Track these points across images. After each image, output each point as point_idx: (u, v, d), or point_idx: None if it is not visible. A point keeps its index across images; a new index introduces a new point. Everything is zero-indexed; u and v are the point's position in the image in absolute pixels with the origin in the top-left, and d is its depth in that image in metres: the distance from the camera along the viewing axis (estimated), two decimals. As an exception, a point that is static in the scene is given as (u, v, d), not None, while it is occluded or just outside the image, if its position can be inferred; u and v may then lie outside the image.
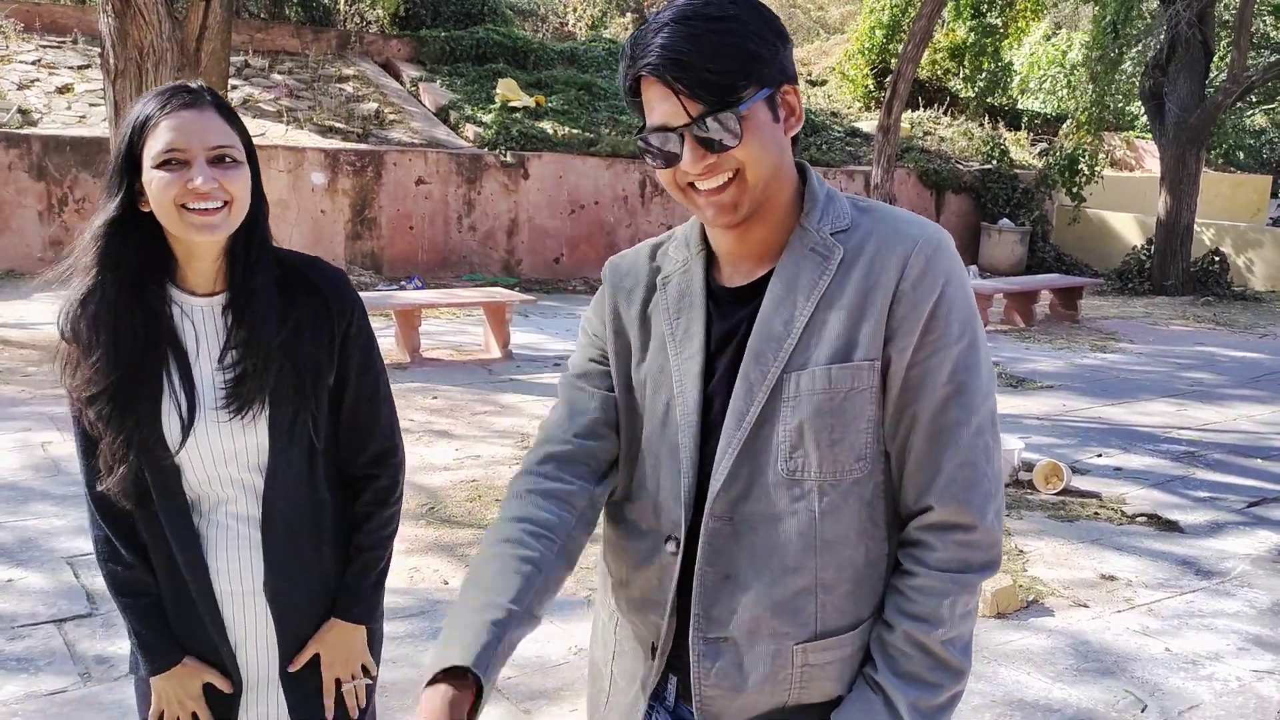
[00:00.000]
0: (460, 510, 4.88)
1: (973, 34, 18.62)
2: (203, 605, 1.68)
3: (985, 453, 1.26)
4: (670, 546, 1.32)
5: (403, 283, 11.38)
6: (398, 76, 14.75)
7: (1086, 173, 15.79)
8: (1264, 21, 17.14)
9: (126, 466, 1.58)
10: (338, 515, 1.77)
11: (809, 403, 1.25)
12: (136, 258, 1.58)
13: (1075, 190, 15.76)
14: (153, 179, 1.53)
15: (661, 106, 1.22)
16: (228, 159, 1.55)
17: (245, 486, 1.67)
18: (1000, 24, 18.88)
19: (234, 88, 13.19)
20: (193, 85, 1.58)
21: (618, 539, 1.43)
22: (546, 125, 13.37)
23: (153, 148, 1.53)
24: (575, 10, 20.95)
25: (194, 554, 1.66)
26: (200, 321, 1.64)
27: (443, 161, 12.36)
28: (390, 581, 3.96)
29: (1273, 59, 15.60)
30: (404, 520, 4.60)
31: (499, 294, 8.67)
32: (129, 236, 1.57)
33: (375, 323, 9.27)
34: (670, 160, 1.25)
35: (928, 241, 1.25)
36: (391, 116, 13.26)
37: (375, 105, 13.47)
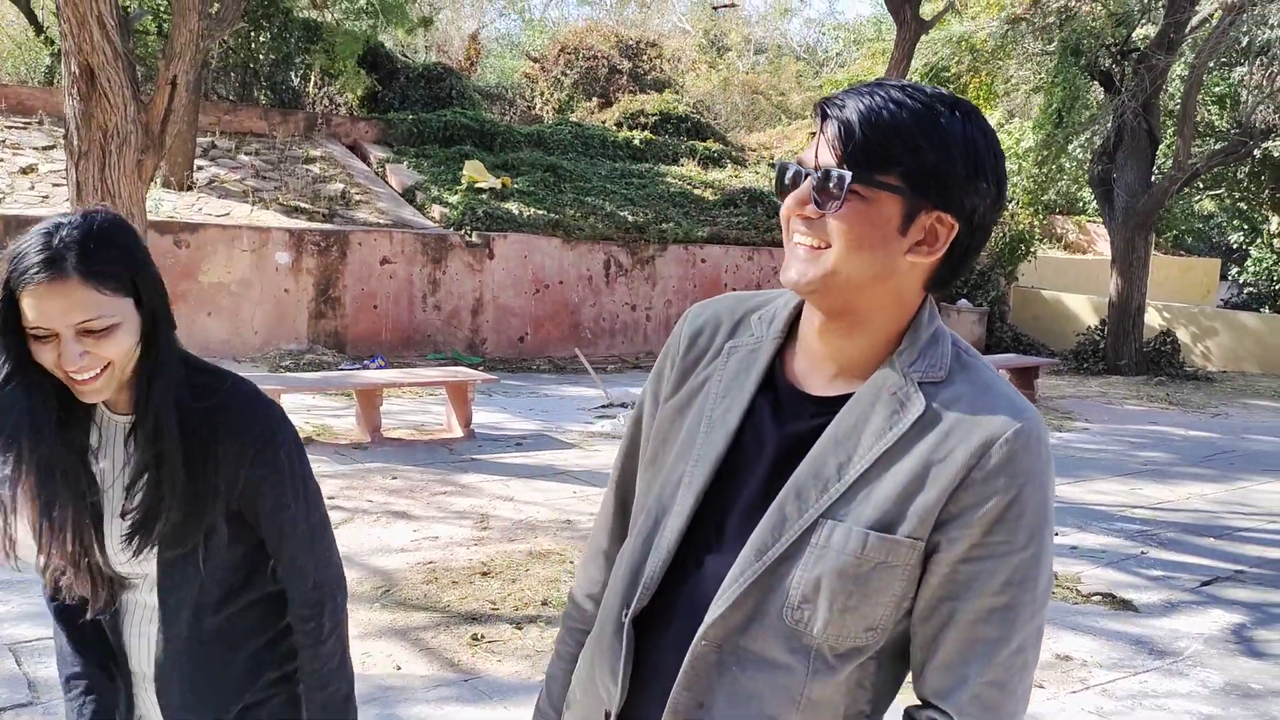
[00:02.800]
0: (416, 593, 4.82)
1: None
2: (122, 680, 1.68)
3: (1020, 671, 1.17)
4: (626, 621, 1.27)
5: (366, 362, 11.37)
6: (365, 158, 14.92)
7: (1024, 252, 16.25)
8: (1208, 110, 17.78)
9: (52, 566, 1.58)
10: (261, 642, 1.68)
11: (835, 560, 1.15)
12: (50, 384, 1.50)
13: (1011, 270, 16.21)
14: (30, 342, 1.46)
15: (817, 144, 1.16)
16: (97, 329, 1.45)
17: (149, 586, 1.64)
18: (955, 111, 19.41)
19: (200, 168, 13.29)
20: (57, 240, 1.43)
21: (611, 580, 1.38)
22: (512, 206, 13.54)
23: (24, 313, 1.44)
24: (543, 95, 21.36)
25: (116, 631, 1.67)
26: (112, 440, 1.59)
27: (408, 241, 12.45)
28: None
29: (1217, 146, 16.15)
30: (356, 604, 4.57)
31: (462, 373, 8.69)
32: (32, 378, 1.48)
33: (336, 402, 9.26)
34: (784, 190, 1.18)
35: (1018, 434, 1.13)
36: (358, 197, 13.38)
37: (342, 186, 13.60)
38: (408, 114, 15.74)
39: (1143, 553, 5.86)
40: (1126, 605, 5.00)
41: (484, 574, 5.06)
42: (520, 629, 4.38)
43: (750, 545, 1.19)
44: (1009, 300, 16.99)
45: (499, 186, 13.99)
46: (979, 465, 1.13)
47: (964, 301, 16.13)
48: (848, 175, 1.12)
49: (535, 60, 22.96)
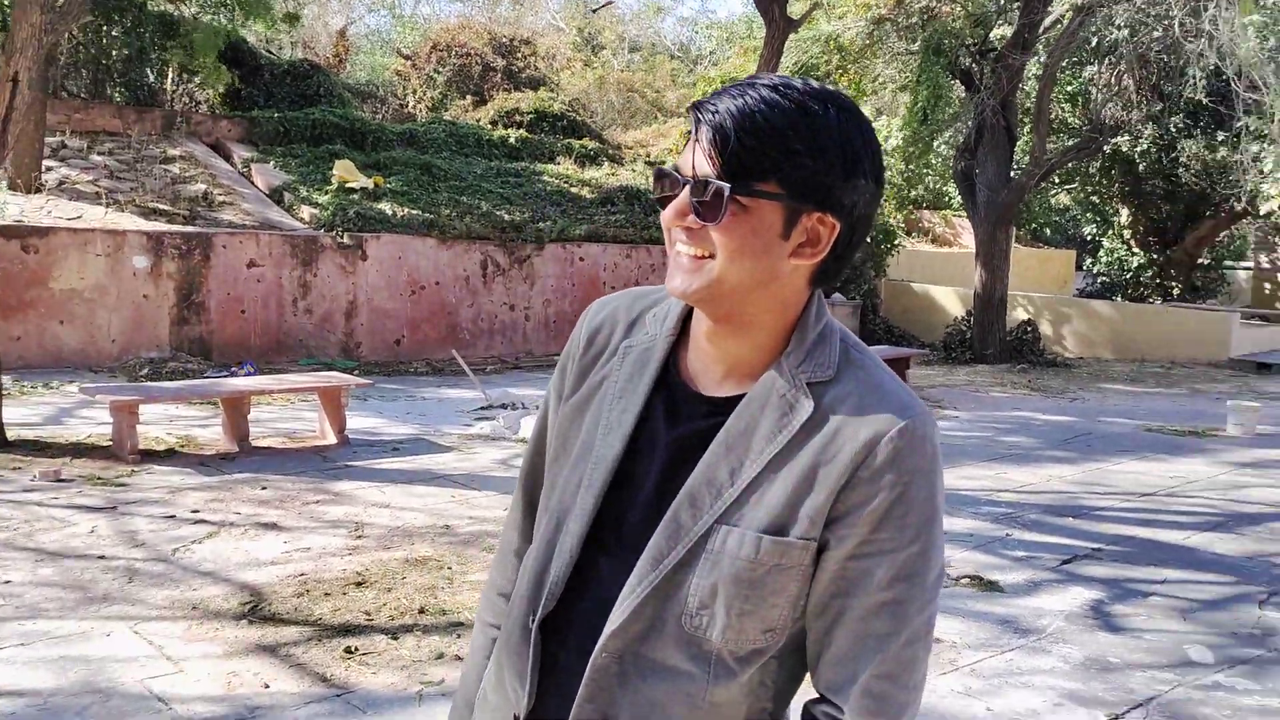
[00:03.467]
0: (286, 607, 4.65)
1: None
2: None
3: (911, 664, 1.17)
4: (532, 628, 1.26)
5: (234, 369, 10.97)
6: (228, 158, 14.40)
7: (889, 247, 16.79)
8: (1062, 108, 18.60)
9: None
10: None
11: (730, 566, 1.16)
12: None
13: (880, 263, 16.73)
14: None
15: (694, 150, 1.14)
16: None
17: None
18: (825, 109, 19.86)
19: (49, 169, 12.62)
20: None
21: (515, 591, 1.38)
22: (385, 206, 13.26)
23: None
24: (415, 92, 20.99)
25: None
26: None
27: (276, 243, 12.07)
28: (204, 689, 3.75)
29: (1070, 143, 16.91)
30: (221, 622, 4.39)
31: (334, 378, 8.45)
32: None
33: (201, 412, 8.93)
34: (663, 200, 1.17)
35: (904, 432, 1.14)
36: (221, 198, 12.90)
37: (204, 186, 13.09)
38: (273, 112, 15.26)
39: (1008, 535, 6.07)
40: (993, 586, 5.17)
41: (358, 584, 4.92)
42: (396, 639, 4.27)
43: (647, 554, 1.18)
44: (880, 293, 17.46)
45: (371, 186, 13.68)
46: (865, 464, 1.13)
47: (838, 295, 16.50)
48: (726, 188, 1.10)
49: (406, 57, 22.55)
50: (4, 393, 7.61)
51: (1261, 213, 17.74)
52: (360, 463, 7.46)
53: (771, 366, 1.19)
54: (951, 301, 16.89)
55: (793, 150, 1.10)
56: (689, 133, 1.17)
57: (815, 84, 1.15)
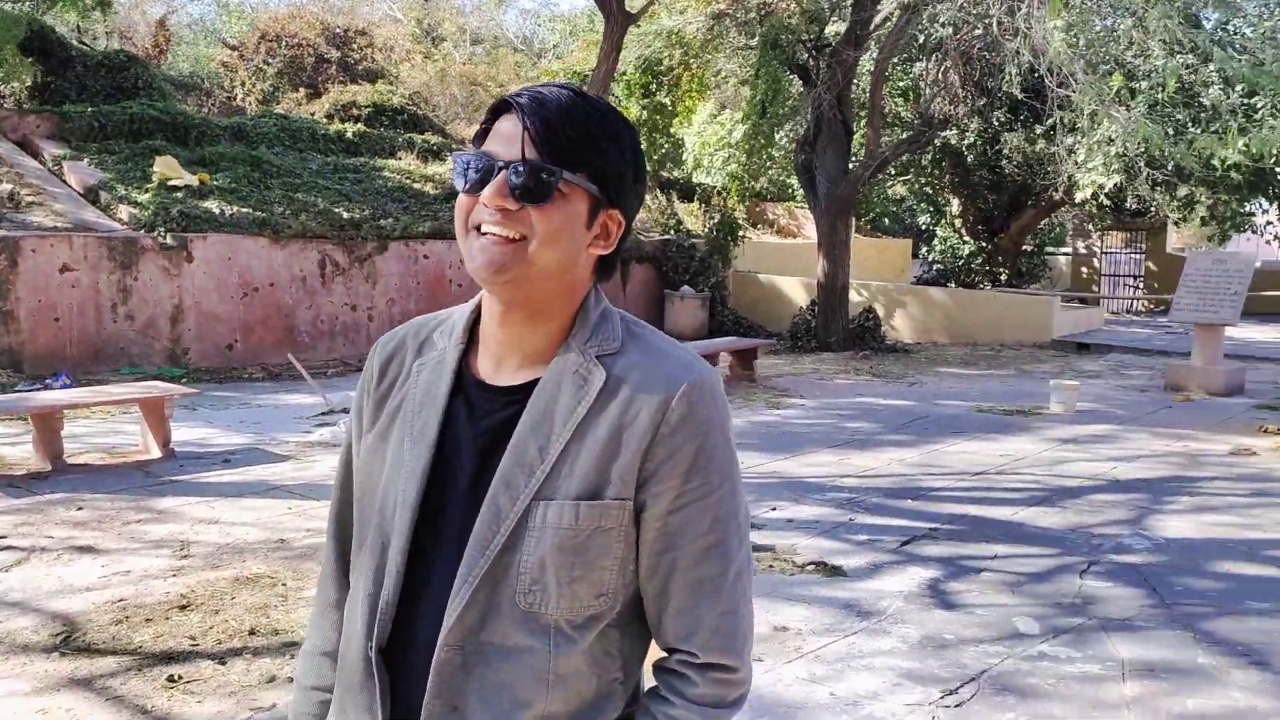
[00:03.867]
0: (103, 635, 4.34)
1: (645, 112, 19.62)
2: None
3: (743, 596, 1.29)
4: (374, 656, 1.26)
5: (48, 381, 10.26)
6: (37, 155, 13.46)
7: (734, 239, 17.10)
8: (895, 102, 19.25)
9: None
10: None
11: (553, 537, 1.21)
12: None
13: (725, 256, 17.03)
14: None
15: (505, 136, 1.21)
16: None
17: None
18: (669, 103, 20.03)
19: None
20: None
21: (345, 627, 1.36)
22: (212, 204, 12.65)
23: None
24: (244, 85, 20.11)
25: None
26: None
27: (92, 246, 11.35)
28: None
29: (904, 136, 17.51)
30: (31, 655, 4.06)
31: (156, 387, 7.99)
32: None
33: (8, 428, 8.30)
34: (474, 186, 1.22)
35: (693, 386, 1.24)
36: (29, 198, 12.04)
37: (9, 186, 12.18)
38: (87, 106, 14.34)
39: (851, 520, 6.21)
40: (837, 571, 5.26)
41: (183, 607, 4.64)
42: (224, 664, 4.04)
43: (472, 543, 1.22)
44: (728, 285, 17.71)
45: (196, 184, 13.01)
46: (665, 420, 1.22)
47: (686, 288, 16.65)
48: (559, 171, 1.19)
49: (233, 48, 21.57)
50: None
51: (1076, 201, 18.81)
52: (187, 477, 7.08)
53: (560, 348, 1.27)
54: (797, 291, 17.27)
55: (602, 147, 1.22)
56: (486, 129, 1.26)
57: (618, 113, 1.29)
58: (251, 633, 4.35)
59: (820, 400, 10.84)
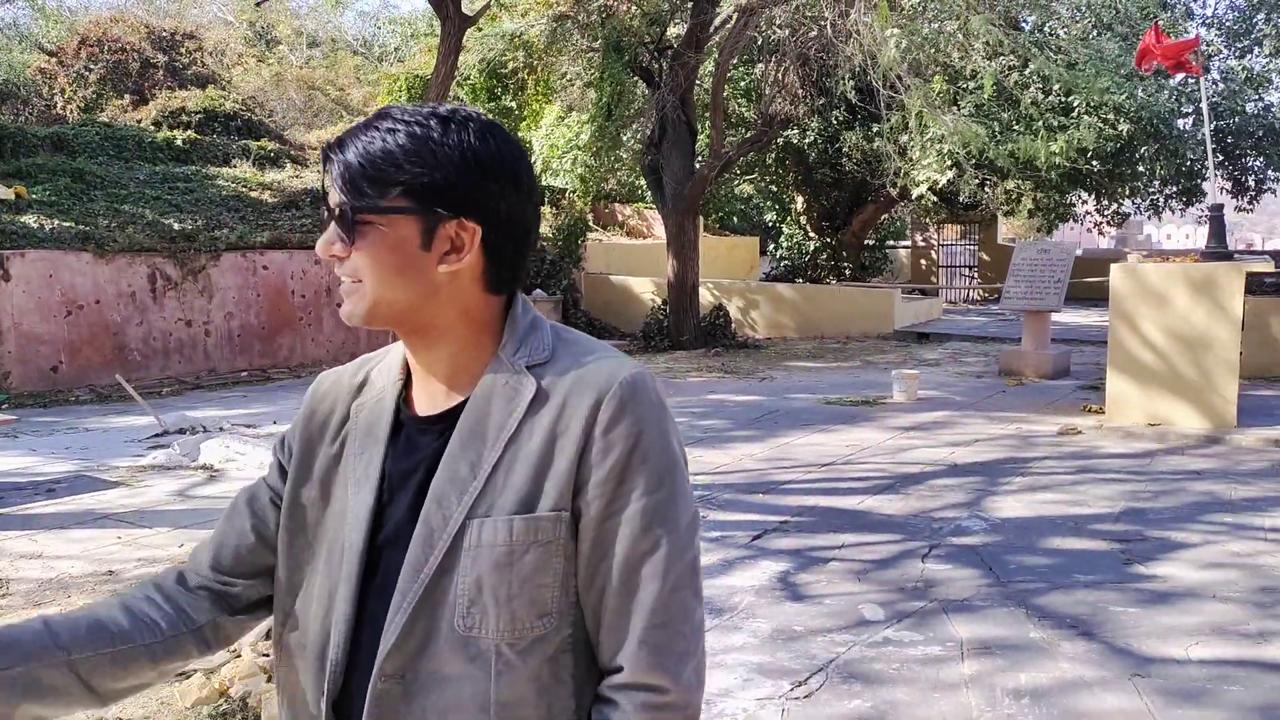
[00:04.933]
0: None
1: (490, 115, 19.44)
2: None
3: (682, 610, 1.19)
4: (323, 704, 1.21)
5: None
6: None
7: (579, 239, 17.20)
8: (738, 103, 19.62)
9: None
10: None
11: (489, 555, 1.16)
12: None
13: (574, 256, 17.10)
14: None
15: (328, 185, 1.20)
16: None
17: None
18: (515, 106, 19.91)
19: None
20: None
21: (282, 692, 1.30)
22: (30, 219, 11.90)
23: None
24: (64, 92, 19.00)
25: None
26: None
27: (-107, 266, 10.52)
28: None
29: (747, 135, 17.86)
30: None
31: (-30, 417, 7.46)
32: None
33: None
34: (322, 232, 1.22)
35: (624, 385, 1.19)
36: None
37: None
38: (-117, 115, 13.30)
39: (704, 517, 6.27)
40: (689, 570, 5.30)
41: None
42: (45, 710, 3.78)
43: (406, 567, 1.18)
44: (580, 287, 17.72)
45: (12, 197, 12.21)
46: (596, 422, 1.17)
47: (539, 291, 16.59)
48: (349, 207, 1.16)
49: (51, 54, 20.36)
50: None
51: (913, 196, 19.55)
52: (7, 510, 6.62)
53: (489, 364, 1.23)
54: (648, 291, 17.42)
55: (404, 166, 1.16)
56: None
57: (448, 109, 1.21)
58: (77, 675, 4.09)
59: (673, 399, 10.94)
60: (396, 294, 1.18)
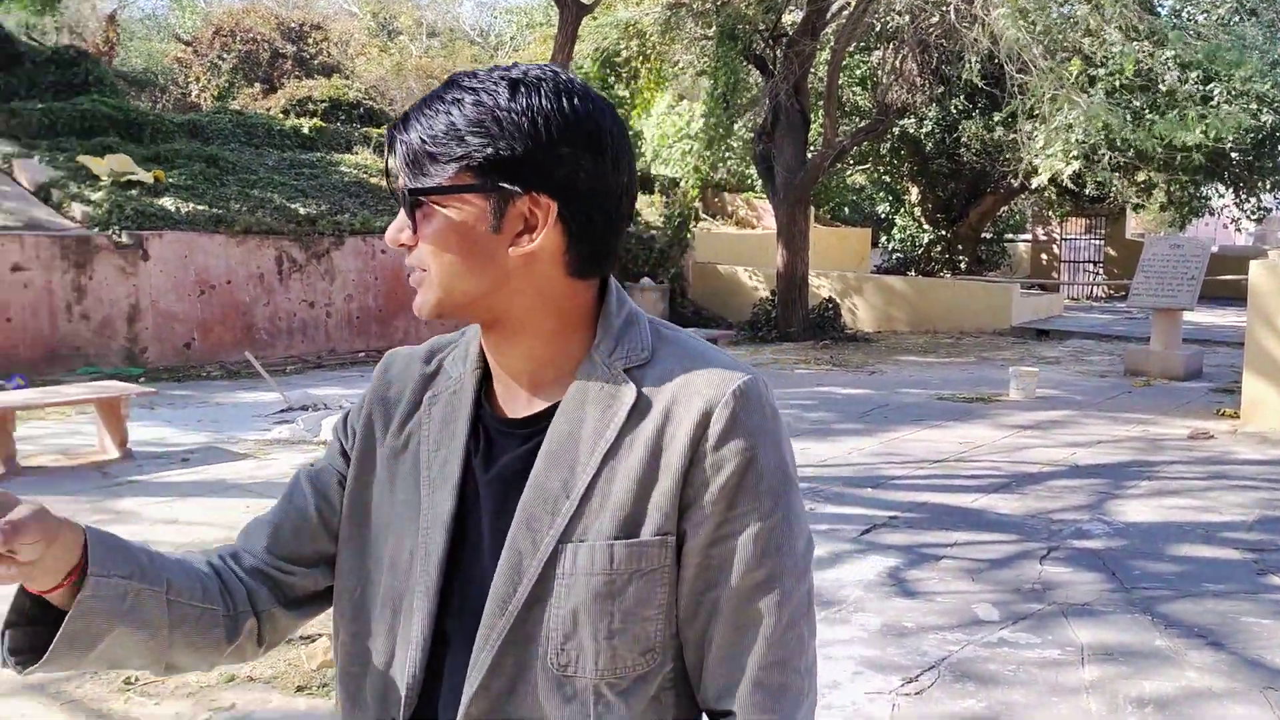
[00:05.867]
0: (57, 643, 4.27)
1: (601, 101, 19.59)
2: None
3: (799, 646, 1.08)
4: None
5: (1, 382, 10.07)
6: (-14, 153, 13.19)
7: (687, 229, 17.17)
8: (853, 91, 19.34)
9: None
10: None
11: (586, 585, 1.04)
12: None
13: (682, 245, 17.10)
14: None
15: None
16: None
17: None
18: (628, 95, 20.01)
19: None
20: None
21: (343, 703, 1.18)
22: (168, 202, 12.47)
23: None
24: (198, 80, 19.84)
25: None
26: None
27: (44, 245, 11.15)
28: None
29: (862, 125, 17.60)
30: (-20, 665, 3.99)
31: (112, 387, 7.87)
32: None
33: (-43, 433, 8.10)
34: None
35: (737, 394, 1.05)
36: (-22, 197, 11.81)
37: (-43, 185, 11.95)
38: (37, 103, 14.08)
39: (811, 509, 6.24)
40: (798, 561, 5.28)
41: (139, 611, 4.57)
42: (180, 668, 3.99)
43: (491, 599, 1.06)
44: (688, 276, 17.73)
45: (151, 181, 12.82)
46: (705, 436, 1.04)
47: (646, 279, 16.65)
48: (408, 189, 1.05)
49: (187, 44, 21.28)
50: None
51: (1035, 187, 18.99)
52: (146, 477, 6.98)
53: (581, 364, 1.10)
54: (756, 282, 17.33)
55: (467, 139, 1.03)
56: None
57: (520, 70, 1.07)
58: (210, 636, 4.30)
59: (780, 390, 10.87)
60: (465, 283, 1.06)
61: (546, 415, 1.10)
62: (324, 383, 11.29)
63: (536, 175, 1.03)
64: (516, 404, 1.13)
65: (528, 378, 1.12)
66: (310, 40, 21.11)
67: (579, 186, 1.05)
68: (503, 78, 1.05)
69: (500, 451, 1.12)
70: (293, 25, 21.25)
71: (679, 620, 1.07)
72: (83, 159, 12.95)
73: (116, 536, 1.08)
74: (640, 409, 1.07)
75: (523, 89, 1.04)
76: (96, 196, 12.12)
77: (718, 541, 1.05)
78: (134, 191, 12.48)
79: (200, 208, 12.56)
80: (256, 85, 19.61)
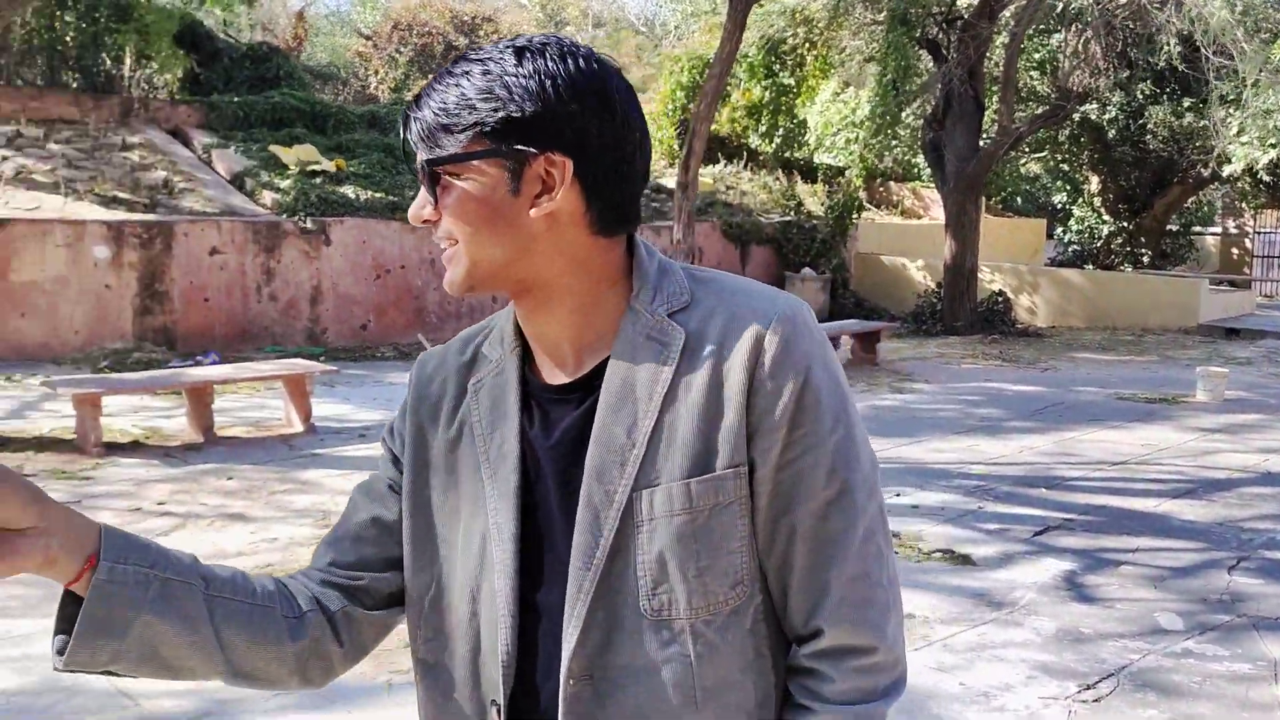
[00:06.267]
0: (252, 601, 4.58)
1: (767, 93, 19.45)
2: None
3: (878, 558, 1.08)
4: (493, 714, 1.11)
5: (198, 358, 10.81)
6: (188, 144, 14.14)
7: (851, 219, 16.84)
8: (1030, 76, 18.59)
9: None
10: None
11: (667, 527, 1.05)
12: None
13: (843, 234, 16.81)
14: None
15: None
16: None
17: None
18: (793, 83, 19.81)
19: (4, 158, 12.36)
20: None
21: (428, 702, 1.18)
22: (348, 189, 13.09)
23: None
24: (377, 73, 20.71)
25: None
26: None
27: (238, 230, 11.88)
28: (170, 684, 3.67)
29: (1039, 111, 16.90)
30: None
31: (299, 365, 8.34)
32: None
33: (165, 402, 8.79)
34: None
35: (783, 319, 1.06)
36: (182, 185, 12.68)
37: (164, 174, 12.85)
38: (233, 97, 15.00)
39: (980, 508, 6.07)
40: (965, 560, 5.16)
41: (325, 575, 4.85)
42: (363, 631, 4.21)
43: (575, 553, 1.07)
44: (850, 267, 17.44)
45: (333, 169, 13.49)
46: (759, 364, 1.05)
47: (807, 270, 16.47)
48: (424, 160, 1.07)
49: (367, 38, 22.25)
50: (-40, 389, 7.45)
51: (1225, 175, 17.84)
52: (327, 450, 7.37)
53: (624, 316, 1.10)
54: (922, 273, 16.90)
55: (477, 106, 1.04)
56: None
57: (525, 38, 1.09)
58: (389, 602, 4.52)
59: (946, 385, 10.60)
60: (492, 250, 1.07)
61: (597, 374, 1.10)
62: (491, 365, 11.67)
63: (548, 135, 1.04)
64: (564, 370, 1.14)
65: (569, 343, 1.13)
66: (481, 33, 21.75)
67: (591, 144, 1.06)
68: (508, 47, 1.07)
69: (558, 419, 1.12)
70: (465, 18, 21.94)
71: (759, 550, 1.08)
72: (273, 149, 13.75)
73: (140, 537, 1.10)
74: (691, 348, 1.07)
75: (528, 54, 1.06)
76: (285, 184, 12.83)
77: (785, 465, 1.06)
78: (318, 179, 13.16)
79: (377, 195, 13.13)
80: (430, 77, 20.34)
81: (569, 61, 1.06)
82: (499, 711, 1.10)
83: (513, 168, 1.05)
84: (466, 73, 1.06)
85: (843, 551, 1.06)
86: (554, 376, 1.14)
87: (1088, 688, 3.74)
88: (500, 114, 1.04)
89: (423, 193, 1.10)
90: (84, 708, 3.52)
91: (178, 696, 3.60)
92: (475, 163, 1.05)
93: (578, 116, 1.05)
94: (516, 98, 1.04)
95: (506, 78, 1.04)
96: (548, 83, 1.04)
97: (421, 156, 1.08)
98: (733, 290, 1.11)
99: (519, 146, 1.04)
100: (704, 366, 1.06)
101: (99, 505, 5.87)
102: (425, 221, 1.10)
